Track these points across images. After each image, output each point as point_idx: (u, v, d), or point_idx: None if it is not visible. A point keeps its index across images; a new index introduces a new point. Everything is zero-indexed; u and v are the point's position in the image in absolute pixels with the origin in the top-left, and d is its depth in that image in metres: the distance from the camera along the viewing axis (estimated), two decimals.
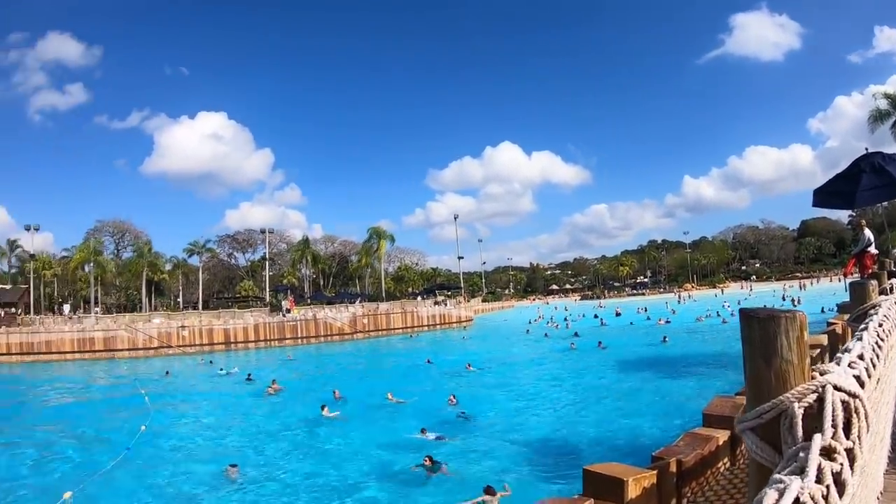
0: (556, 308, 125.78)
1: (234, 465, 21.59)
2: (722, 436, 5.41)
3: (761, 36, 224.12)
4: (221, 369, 51.90)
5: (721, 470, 5.38)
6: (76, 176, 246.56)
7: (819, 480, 1.54)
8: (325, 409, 29.67)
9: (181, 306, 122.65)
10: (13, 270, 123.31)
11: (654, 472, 4.62)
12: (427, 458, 19.94)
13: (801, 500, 1.45)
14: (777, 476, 1.57)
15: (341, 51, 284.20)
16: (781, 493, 1.45)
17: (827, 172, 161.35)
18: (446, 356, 53.07)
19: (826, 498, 1.53)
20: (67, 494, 19.50)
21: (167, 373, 51.50)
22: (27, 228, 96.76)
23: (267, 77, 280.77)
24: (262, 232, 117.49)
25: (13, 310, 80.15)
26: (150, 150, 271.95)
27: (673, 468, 4.81)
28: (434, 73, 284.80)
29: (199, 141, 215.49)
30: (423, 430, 24.53)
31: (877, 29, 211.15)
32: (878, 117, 67.95)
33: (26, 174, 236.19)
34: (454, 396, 31.20)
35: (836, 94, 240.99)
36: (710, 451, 5.25)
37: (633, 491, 4.37)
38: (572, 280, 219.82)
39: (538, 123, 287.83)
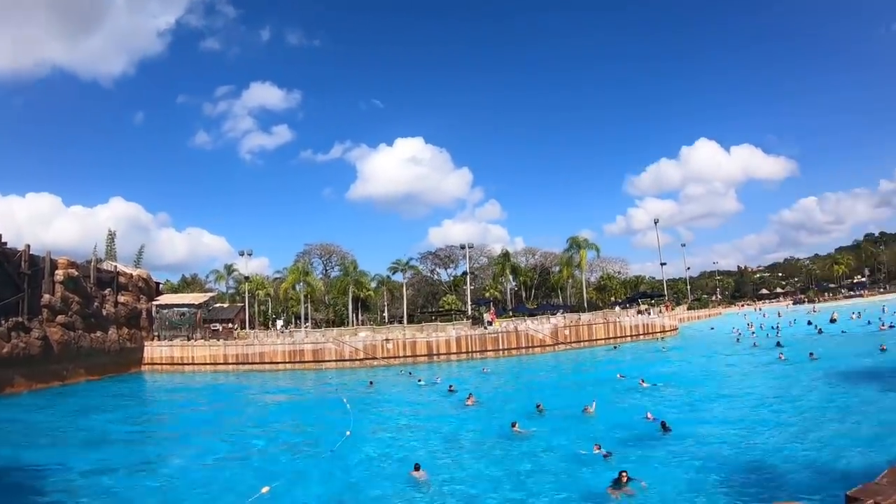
0: (764, 315, 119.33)
1: (418, 468, 21.74)
2: None
3: None
4: (420, 380, 52.60)
5: None
6: (286, 206, 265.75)
7: None
8: (516, 425, 28.81)
9: (386, 321, 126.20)
10: (230, 291, 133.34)
11: None
12: (623, 474, 18.87)
13: None
14: None
15: (530, 66, 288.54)
16: None
17: None
18: (646, 369, 50.06)
19: None
20: (265, 489, 19.96)
21: (371, 383, 52.61)
22: (241, 254, 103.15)
23: (458, 100, 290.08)
24: (463, 247, 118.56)
25: (230, 325, 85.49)
26: (354, 177, 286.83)
27: None
28: (621, 77, 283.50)
29: (398, 166, 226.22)
30: (597, 446, 23.44)
31: None
32: None
33: (241, 208, 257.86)
34: (651, 413, 29.60)
35: None
36: None
37: None
38: (783, 283, 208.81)
39: (733, 116, 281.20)
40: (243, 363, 70.94)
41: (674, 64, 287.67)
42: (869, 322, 76.35)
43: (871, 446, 21.86)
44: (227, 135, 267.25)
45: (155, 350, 74.75)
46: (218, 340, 75.80)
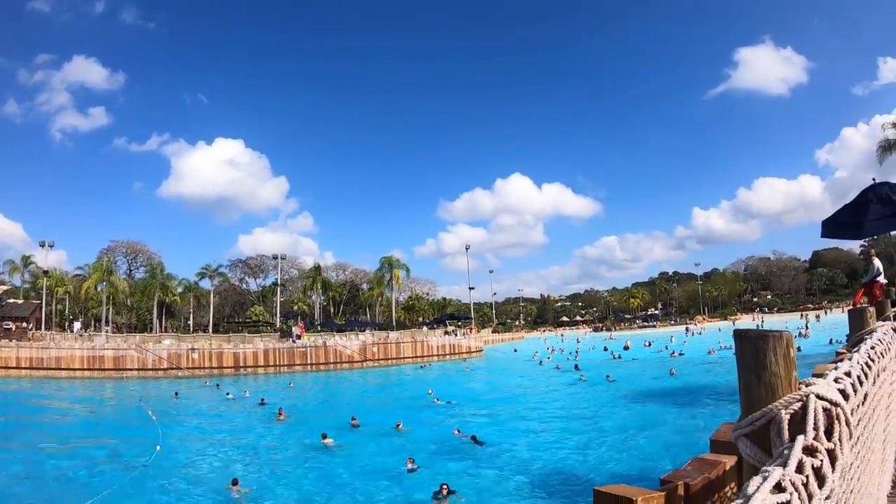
0: (563, 339, 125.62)
1: (236, 483, 21.78)
2: (729, 461, 5.39)
3: (766, 69, 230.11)
4: (228, 394, 51.93)
5: (728, 494, 5.41)
6: (93, 196, 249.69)
7: (800, 472, 1.76)
8: (326, 437, 29.60)
9: (191, 329, 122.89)
10: (26, 286, 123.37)
11: (663, 493, 4.68)
12: (444, 486, 19.87)
13: (783, 485, 1.65)
14: (764, 468, 1.78)
15: (357, 84, 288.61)
16: (765, 479, 1.64)
17: (836, 203, 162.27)
18: (450, 387, 52.31)
19: (806, 486, 1.73)
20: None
21: (176, 394, 51.55)
22: (42, 245, 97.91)
23: (284, 107, 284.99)
24: (275, 258, 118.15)
25: (24, 324, 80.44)
26: (167, 173, 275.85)
27: (681, 491, 4.82)
28: (444, 106, 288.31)
29: (215, 167, 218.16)
30: (410, 460, 24.41)
31: (880, 60, 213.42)
32: (886, 148, 67.44)
33: (44, 192, 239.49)
34: (458, 429, 30.99)
35: (843, 125, 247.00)
36: (718, 475, 5.26)
37: None
38: (583, 312, 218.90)
39: (549, 156, 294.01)
40: (38, 368, 66.31)
41: (496, 98, 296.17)
42: (662, 350, 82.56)
43: (669, 448, 24.96)
44: (40, 108, 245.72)
45: None
46: (10, 341, 71.06)
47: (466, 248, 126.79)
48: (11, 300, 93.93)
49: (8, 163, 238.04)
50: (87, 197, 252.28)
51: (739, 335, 2.77)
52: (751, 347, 2.66)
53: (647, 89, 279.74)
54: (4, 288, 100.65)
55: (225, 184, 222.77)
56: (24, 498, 22.26)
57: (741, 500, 1.59)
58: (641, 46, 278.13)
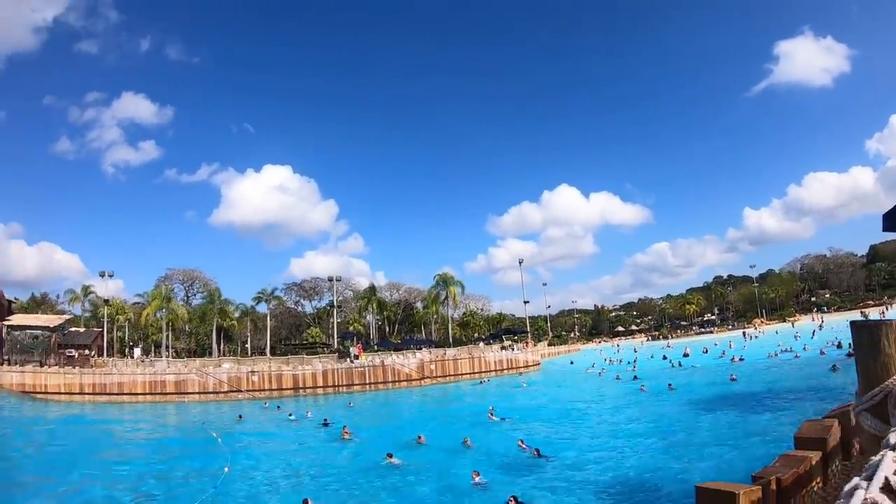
0: (619, 349, 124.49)
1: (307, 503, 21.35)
2: (814, 456, 5.76)
3: (808, 61, 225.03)
4: (290, 414, 52.04)
5: (815, 489, 5.69)
6: (146, 226, 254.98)
7: None
8: (392, 457, 29.27)
9: (249, 352, 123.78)
10: (86, 314, 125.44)
11: (759, 488, 4.92)
12: (512, 499, 19.33)
13: None
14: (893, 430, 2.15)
15: (400, 102, 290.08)
16: None
17: (889, 192, 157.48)
18: (510, 402, 52.56)
19: None
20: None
21: (240, 417, 51.75)
22: (101, 275, 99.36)
23: (329, 130, 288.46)
24: (330, 280, 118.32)
25: (87, 351, 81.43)
26: (218, 202, 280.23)
27: (773, 486, 5.10)
28: (488, 120, 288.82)
29: (265, 193, 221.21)
30: (475, 473, 24.17)
31: None
32: None
33: (98, 224, 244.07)
34: (523, 441, 30.78)
35: (891, 112, 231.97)
36: (805, 470, 5.54)
37: None
38: (637, 321, 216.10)
39: (594, 165, 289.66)
40: (101, 393, 67.13)
41: (541, 110, 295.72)
42: (721, 355, 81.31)
43: (739, 452, 24.54)
44: (92, 144, 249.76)
45: (4, 376, 68.42)
46: (73, 368, 71.77)
47: (520, 263, 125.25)
48: (73, 328, 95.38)
49: (63, 198, 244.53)
50: (141, 227, 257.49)
51: (856, 325, 3.16)
52: (867, 334, 3.01)
53: (689, 91, 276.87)
54: (66, 317, 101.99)
55: (275, 209, 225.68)
56: None
57: (887, 449, 1.95)
58: (681, 49, 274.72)
